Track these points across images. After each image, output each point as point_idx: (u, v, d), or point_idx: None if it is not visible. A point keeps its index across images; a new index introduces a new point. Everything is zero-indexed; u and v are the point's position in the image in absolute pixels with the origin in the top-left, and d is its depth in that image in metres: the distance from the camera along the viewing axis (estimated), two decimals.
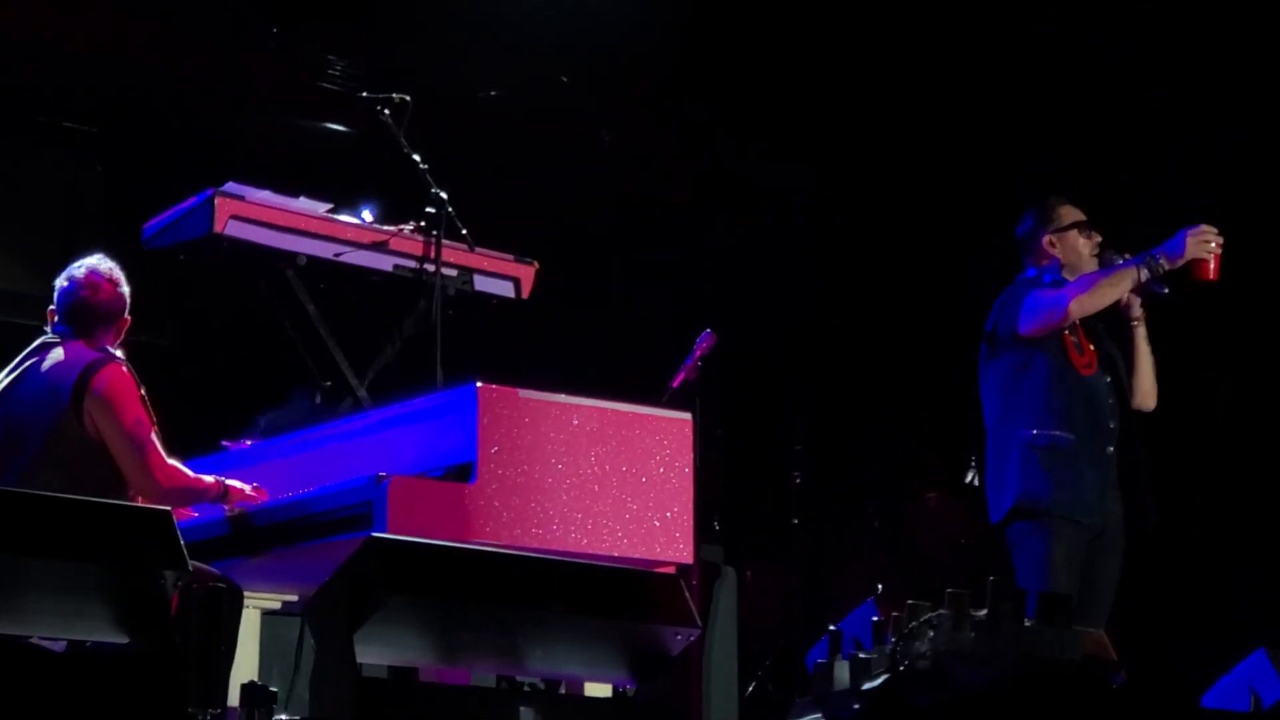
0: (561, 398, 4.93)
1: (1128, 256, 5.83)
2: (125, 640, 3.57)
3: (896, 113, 8.77)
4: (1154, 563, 6.62)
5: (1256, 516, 8.05)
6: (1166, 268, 5.77)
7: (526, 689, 4.18)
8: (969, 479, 8.16)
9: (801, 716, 3.38)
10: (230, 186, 5.76)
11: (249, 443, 5.61)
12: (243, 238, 5.75)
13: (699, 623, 4.01)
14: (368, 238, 5.94)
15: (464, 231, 5.99)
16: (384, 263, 5.98)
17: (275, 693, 3.97)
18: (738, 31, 8.40)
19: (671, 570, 4.87)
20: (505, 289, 6.18)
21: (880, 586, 7.96)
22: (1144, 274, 5.76)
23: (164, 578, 3.56)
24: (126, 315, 5.23)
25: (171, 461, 5.07)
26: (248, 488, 5.15)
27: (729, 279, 8.87)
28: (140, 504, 4.74)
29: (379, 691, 3.64)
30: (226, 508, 5.12)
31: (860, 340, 9.39)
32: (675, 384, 6.72)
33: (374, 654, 3.69)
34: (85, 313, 5.16)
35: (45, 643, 3.88)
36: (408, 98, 6.04)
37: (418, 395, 5.24)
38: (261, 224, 5.78)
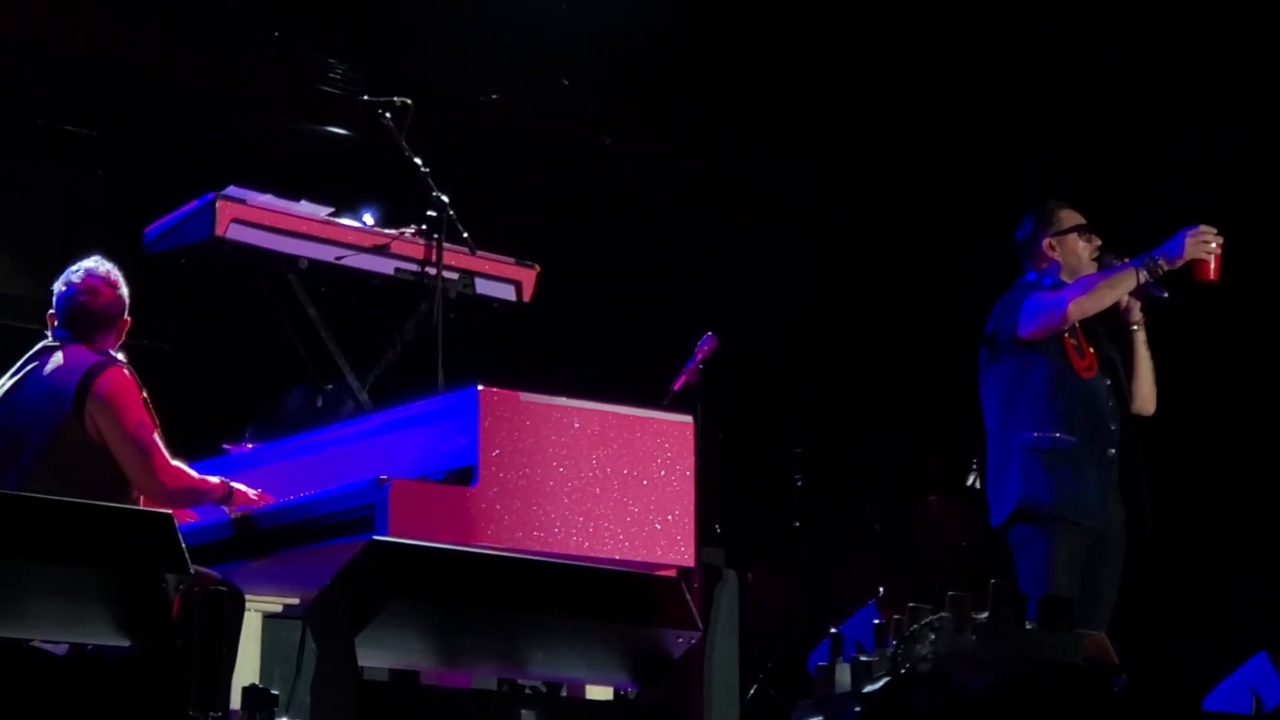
0: (563, 401, 4.93)
1: (1127, 260, 5.83)
2: (126, 643, 3.57)
3: (896, 113, 8.77)
4: (1155, 565, 6.62)
5: (1257, 519, 8.05)
6: (1166, 269, 5.77)
7: (528, 692, 4.18)
8: (970, 482, 8.15)
9: (803, 719, 3.39)
10: (231, 190, 5.76)
11: (250, 446, 5.61)
12: (244, 241, 5.75)
13: (700, 625, 4.01)
14: (369, 241, 5.94)
15: (465, 235, 5.99)
16: (385, 266, 5.98)
17: (277, 696, 3.98)
18: (738, 31, 8.40)
19: (673, 573, 4.87)
20: (507, 292, 6.18)
21: (881, 589, 7.95)
22: (1143, 275, 5.76)
23: (165, 581, 3.56)
24: (126, 316, 5.23)
25: (176, 463, 5.07)
26: (252, 491, 5.15)
27: (729, 279, 8.87)
28: (141, 507, 4.74)
29: (380, 695, 3.64)
30: (229, 510, 5.12)
31: (860, 341, 9.38)
32: (676, 387, 6.73)
33: (375, 657, 3.69)
34: (85, 316, 5.16)
35: (47, 646, 3.88)
36: (409, 101, 6.04)
37: (419, 398, 5.24)
38: (263, 227, 5.77)
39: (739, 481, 8.57)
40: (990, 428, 5.88)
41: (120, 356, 5.14)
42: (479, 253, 6.09)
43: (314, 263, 5.88)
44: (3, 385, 5.16)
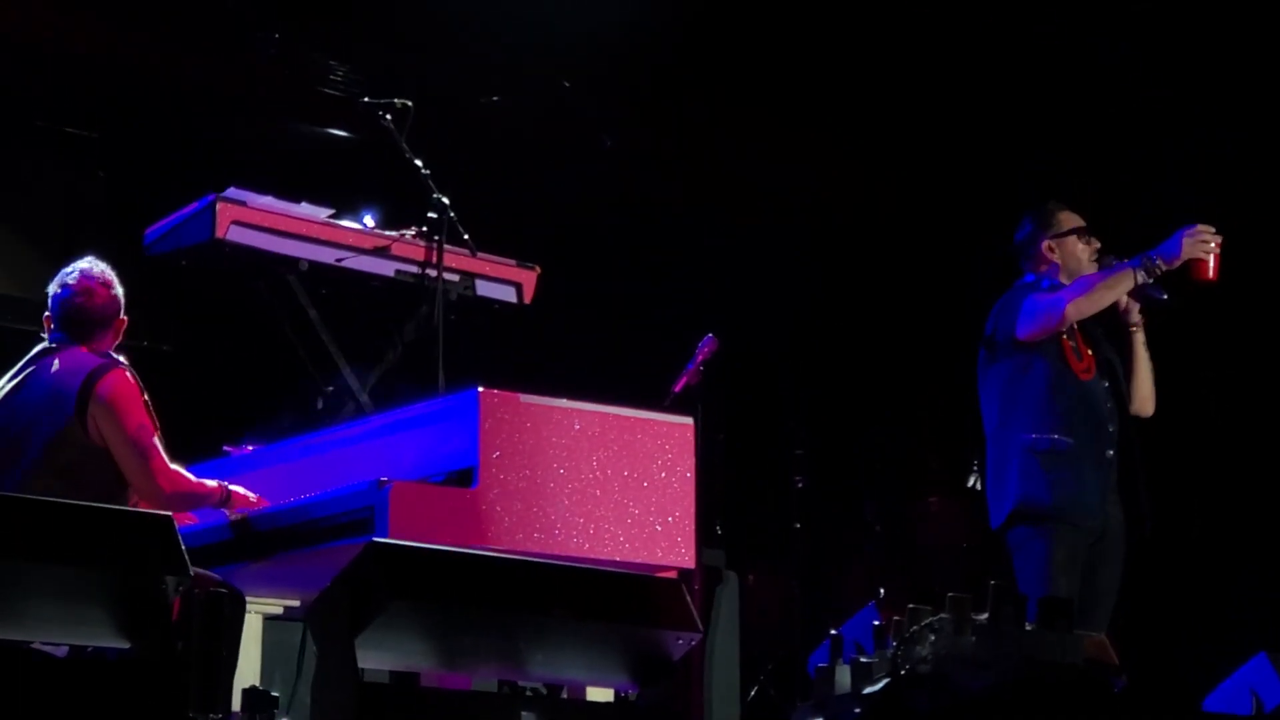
0: (563, 402, 4.93)
1: (1125, 260, 5.83)
2: (127, 645, 3.57)
3: (896, 113, 8.77)
4: (1155, 566, 6.62)
5: (1257, 519, 8.05)
6: (1164, 269, 5.76)
7: (528, 694, 4.19)
8: (970, 483, 8.15)
9: None
10: (232, 192, 5.77)
11: (250, 448, 5.62)
12: (244, 243, 5.75)
13: (701, 627, 4.01)
14: (369, 243, 5.95)
15: (466, 236, 6.00)
16: (386, 268, 5.98)
17: (277, 698, 3.99)
18: (737, 31, 8.40)
19: (673, 574, 4.87)
20: (507, 294, 6.19)
21: (881, 591, 7.95)
22: (1141, 276, 5.76)
23: (165, 583, 3.56)
24: (122, 316, 5.23)
25: (174, 466, 5.07)
26: (251, 495, 5.16)
27: (729, 279, 8.87)
28: (142, 509, 4.74)
29: (381, 696, 3.65)
30: (228, 513, 5.13)
31: (860, 341, 9.38)
32: (677, 388, 6.72)
33: (376, 659, 3.69)
34: (82, 318, 5.16)
35: (47, 648, 3.88)
36: (409, 103, 6.05)
37: (419, 400, 5.24)
38: (263, 229, 5.78)
39: (739, 483, 8.57)
40: (989, 429, 5.88)
41: (122, 359, 5.14)
42: (480, 254, 6.09)
43: (314, 264, 5.88)
44: (2, 388, 5.16)
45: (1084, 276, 5.83)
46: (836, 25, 8.37)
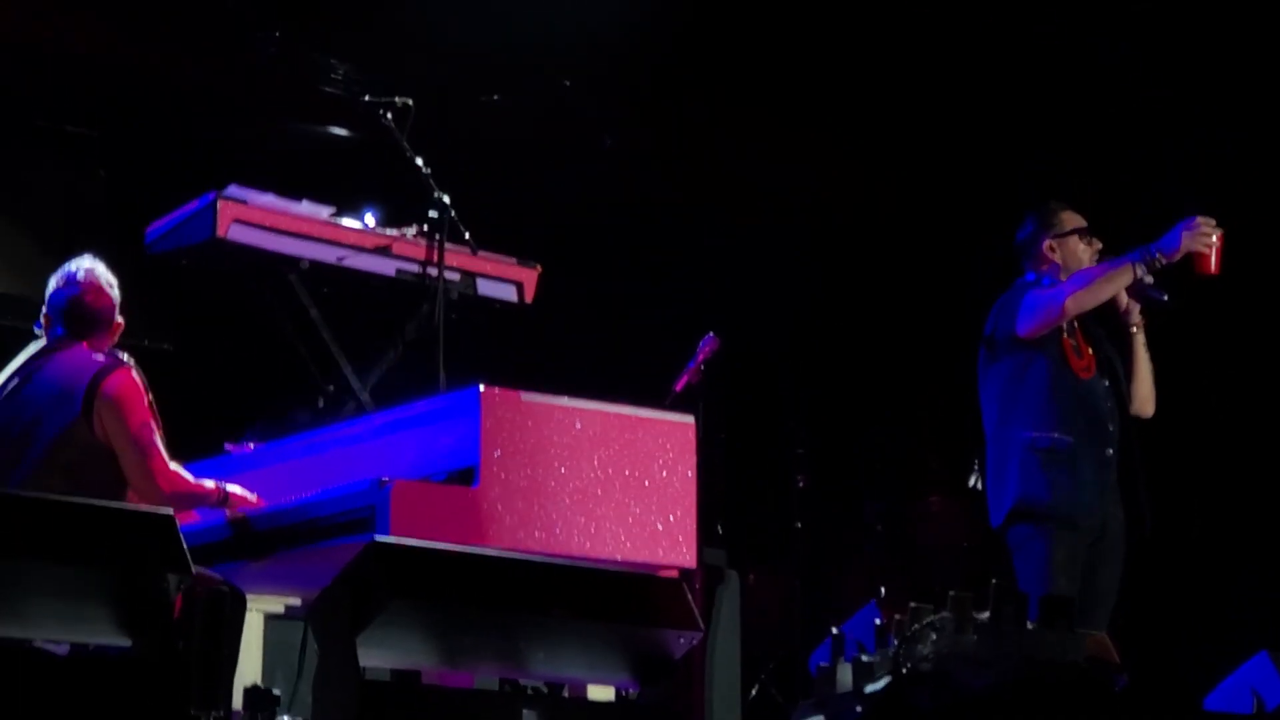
0: (564, 401, 4.93)
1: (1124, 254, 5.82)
2: (128, 644, 3.57)
3: (896, 113, 8.77)
4: (1155, 565, 6.62)
5: (1258, 518, 8.05)
6: (1164, 262, 5.74)
7: (529, 692, 4.19)
8: (971, 482, 8.15)
9: (804, 719, 3.39)
10: (232, 190, 5.77)
11: (252, 446, 5.62)
12: (245, 242, 5.76)
13: (702, 626, 4.01)
14: (370, 242, 5.95)
15: (467, 235, 6.00)
16: (387, 267, 5.99)
17: (278, 696, 3.99)
18: (738, 31, 8.40)
19: (674, 574, 4.87)
20: (508, 293, 6.18)
21: (883, 590, 7.96)
22: (1140, 269, 5.74)
23: (166, 581, 3.56)
24: (119, 319, 5.25)
25: (174, 466, 5.08)
26: (250, 495, 5.16)
27: (729, 279, 8.87)
28: (143, 507, 4.74)
29: (382, 695, 3.65)
30: (227, 513, 5.13)
31: (860, 341, 9.38)
32: (678, 387, 6.72)
33: (377, 657, 3.70)
34: (86, 315, 5.17)
35: (48, 646, 3.89)
36: (410, 101, 6.05)
37: (420, 399, 5.24)
38: (264, 228, 5.78)
39: (740, 482, 8.57)
40: (989, 428, 5.87)
41: (127, 358, 5.15)
42: (481, 253, 6.10)
43: (315, 263, 5.88)
44: (2, 385, 5.16)
45: (1084, 270, 5.82)
46: (836, 25, 8.37)
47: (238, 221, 5.72)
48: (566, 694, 4.58)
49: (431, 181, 5.94)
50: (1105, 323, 5.91)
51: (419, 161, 5.96)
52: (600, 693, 4.64)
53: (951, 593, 3.33)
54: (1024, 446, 5.71)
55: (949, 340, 7.17)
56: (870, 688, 3.26)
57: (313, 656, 4.01)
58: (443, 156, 6.13)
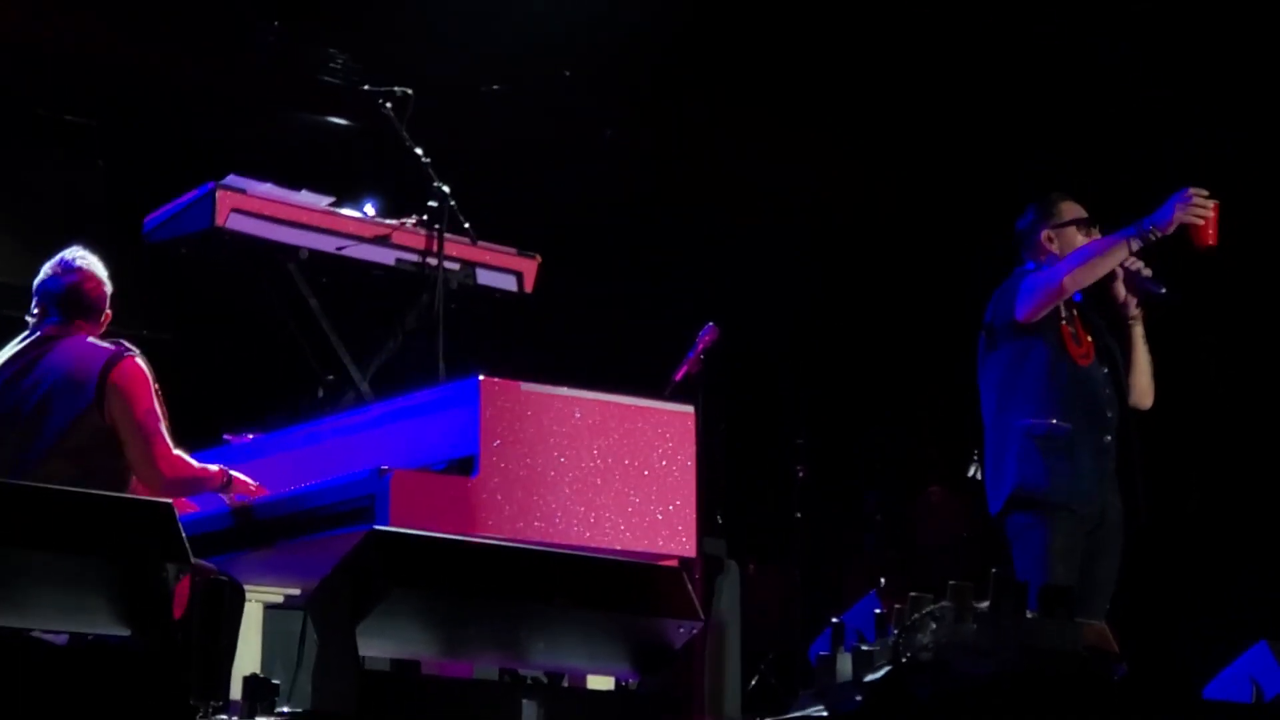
0: (564, 391, 4.93)
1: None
2: (127, 633, 3.57)
3: (896, 113, 8.77)
4: (1155, 554, 6.61)
5: (1258, 508, 8.06)
6: (1159, 235, 5.71)
7: (529, 682, 4.19)
8: (971, 473, 8.15)
9: (804, 709, 3.39)
10: (231, 180, 5.76)
11: (251, 436, 5.61)
12: (244, 231, 5.75)
13: (702, 615, 4.00)
14: (370, 231, 5.94)
15: (466, 225, 5.99)
16: (386, 256, 5.98)
17: (278, 686, 3.98)
18: (738, 31, 8.40)
19: (674, 563, 4.86)
20: (508, 283, 6.18)
21: (882, 580, 7.96)
22: (1135, 244, 5.72)
23: (166, 571, 3.56)
24: (109, 310, 5.26)
25: (177, 453, 5.08)
26: (251, 482, 5.15)
27: (729, 278, 8.87)
28: (142, 497, 4.74)
29: (381, 684, 3.64)
30: (228, 498, 5.12)
31: (860, 339, 9.39)
32: (678, 377, 6.72)
33: (376, 647, 3.69)
34: (85, 303, 5.17)
35: (47, 636, 3.88)
36: (409, 91, 6.04)
37: (420, 389, 5.24)
38: (263, 217, 5.78)
39: (741, 472, 8.57)
40: (988, 416, 5.86)
41: (134, 347, 5.16)
42: (480, 243, 6.09)
43: (315, 253, 5.88)
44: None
45: (1079, 248, 5.81)
46: (836, 25, 8.37)
47: (236, 211, 5.71)
48: (566, 683, 4.58)
49: (431, 171, 5.93)
50: (1104, 314, 5.91)
51: (418, 151, 5.96)
52: (600, 682, 4.63)
53: (951, 582, 3.32)
54: (1022, 433, 5.70)
55: (949, 339, 7.17)
56: (870, 677, 3.26)
57: (312, 646, 4.00)
58: (442, 146, 6.12)
